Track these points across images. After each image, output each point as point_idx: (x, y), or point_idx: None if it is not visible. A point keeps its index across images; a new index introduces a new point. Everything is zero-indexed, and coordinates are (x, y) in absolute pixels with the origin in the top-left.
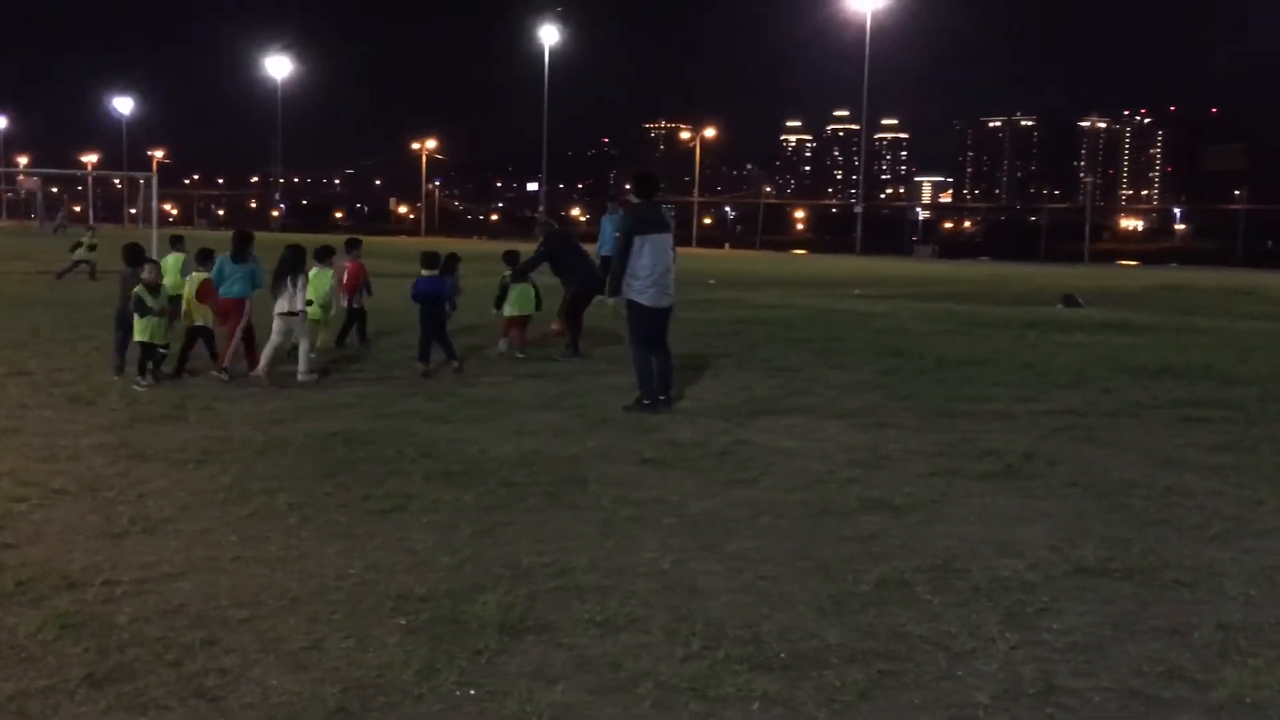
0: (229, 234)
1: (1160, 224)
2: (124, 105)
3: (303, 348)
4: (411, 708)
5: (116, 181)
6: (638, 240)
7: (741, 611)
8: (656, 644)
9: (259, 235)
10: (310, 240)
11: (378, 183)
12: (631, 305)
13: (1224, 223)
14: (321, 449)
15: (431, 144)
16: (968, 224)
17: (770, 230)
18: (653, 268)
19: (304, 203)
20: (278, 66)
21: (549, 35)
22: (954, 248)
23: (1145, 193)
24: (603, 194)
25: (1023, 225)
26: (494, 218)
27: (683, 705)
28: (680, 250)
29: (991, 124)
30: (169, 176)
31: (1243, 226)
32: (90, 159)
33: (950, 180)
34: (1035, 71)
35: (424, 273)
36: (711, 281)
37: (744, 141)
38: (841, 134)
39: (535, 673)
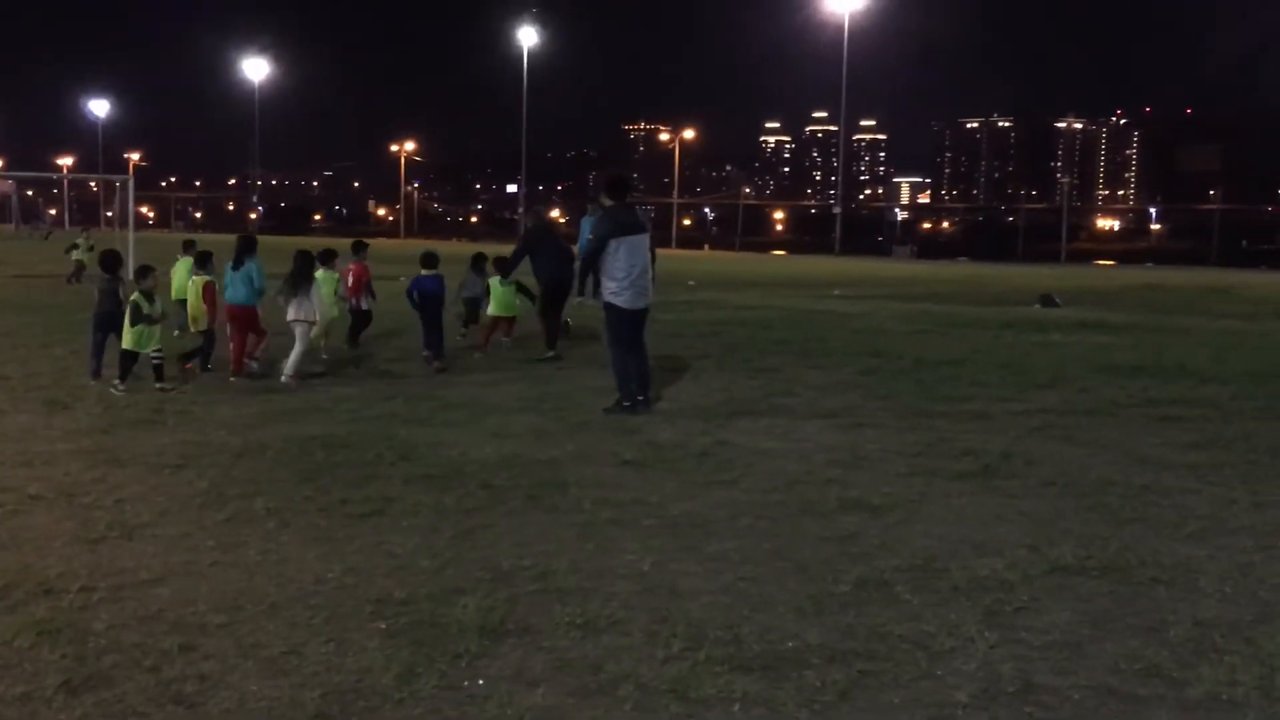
0: (203, 237)
1: (1136, 224)
2: (100, 107)
3: (296, 351)
4: (391, 712)
5: (92, 184)
6: (614, 243)
7: (722, 613)
8: (637, 646)
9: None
10: (289, 243)
11: (356, 185)
12: (609, 307)
13: (1199, 223)
14: (300, 453)
15: (410, 146)
16: (946, 224)
17: (749, 231)
18: (629, 269)
19: (282, 205)
20: (255, 68)
21: (528, 37)
22: (932, 248)
23: (1121, 193)
24: (582, 196)
25: (1000, 225)
26: (473, 219)
27: (664, 707)
28: (660, 251)
29: (969, 125)
30: (145, 179)
31: (1218, 226)
32: (65, 162)
33: (928, 181)
34: (1012, 73)
35: (423, 272)
36: (691, 283)
37: (723, 143)
38: (820, 135)
39: (516, 675)
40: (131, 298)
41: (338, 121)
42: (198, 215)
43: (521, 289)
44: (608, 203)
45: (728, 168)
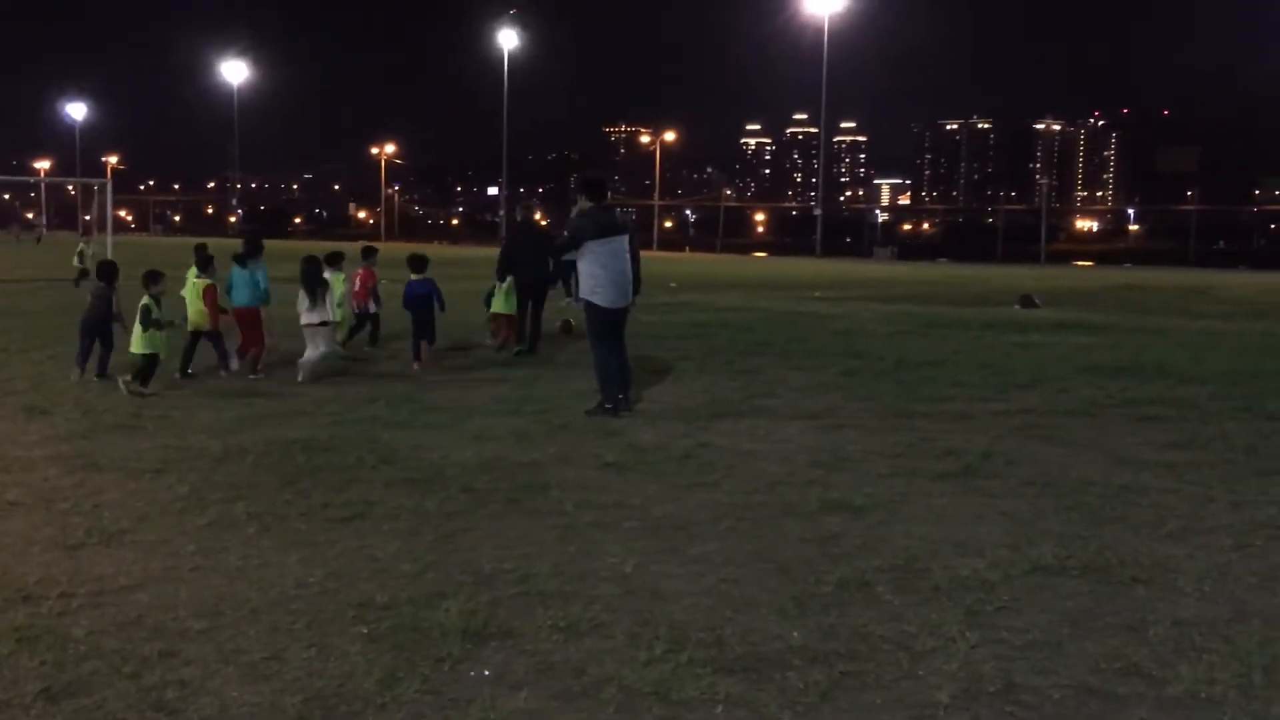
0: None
1: (1114, 225)
2: (77, 111)
3: (320, 351)
4: (373, 716)
5: (70, 188)
6: (590, 244)
7: (704, 614)
8: (619, 648)
9: (217, 241)
10: (271, 247)
11: (336, 187)
12: (588, 306)
13: (1177, 223)
14: (281, 457)
15: (390, 148)
16: (926, 226)
17: (731, 233)
18: (606, 270)
19: (261, 208)
20: (234, 71)
21: (508, 39)
22: (913, 249)
23: (1100, 194)
24: (563, 198)
25: (980, 227)
26: (454, 222)
27: (646, 709)
28: (641, 253)
29: (948, 126)
30: (124, 183)
31: (1194, 227)
32: (42, 165)
33: (908, 182)
34: (991, 75)
35: (413, 276)
36: (673, 285)
37: (704, 145)
38: (800, 137)
39: (498, 679)
40: (142, 301)
41: (317, 124)
42: (176, 219)
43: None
44: (586, 205)
45: (709, 170)
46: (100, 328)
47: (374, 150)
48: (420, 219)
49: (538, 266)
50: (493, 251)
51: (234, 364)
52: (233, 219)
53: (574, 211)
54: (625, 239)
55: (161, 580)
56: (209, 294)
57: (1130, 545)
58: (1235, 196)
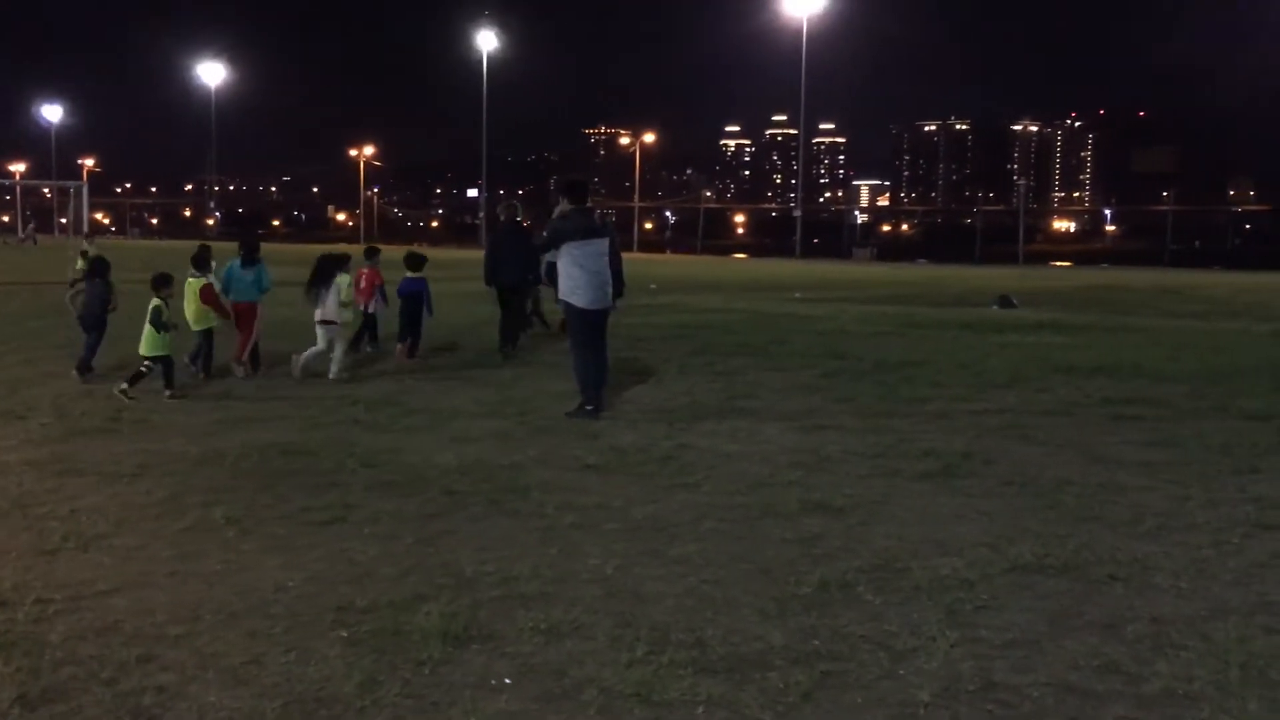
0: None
1: (1091, 225)
2: (52, 113)
3: (338, 352)
4: None
5: (46, 191)
6: (570, 246)
7: (685, 615)
8: (601, 650)
9: (194, 245)
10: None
11: (315, 190)
12: (566, 306)
13: (1153, 223)
14: (259, 461)
15: (369, 150)
16: (905, 227)
17: (711, 234)
18: (585, 271)
19: (240, 210)
20: (211, 73)
21: (487, 41)
22: (892, 250)
23: (1077, 195)
24: (542, 200)
25: (958, 227)
26: (434, 224)
27: (628, 711)
28: (622, 255)
29: (927, 128)
30: (100, 185)
31: (1170, 227)
32: (18, 168)
33: (887, 184)
34: (969, 76)
35: (408, 274)
36: (653, 286)
37: (683, 146)
38: (780, 138)
39: (479, 682)
40: (153, 303)
41: (296, 126)
42: (154, 221)
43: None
44: (568, 207)
45: (688, 171)
46: (96, 323)
47: (352, 152)
48: (399, 221)
49: (521, 267)
50: (472, 253)
51: (239, 371)
52: (211, 222)
53: (555, 213)
54: (605, 242)
55: (139, 585)
56: (206, 291)
57: (1108, 543)
58: (1210, 197)
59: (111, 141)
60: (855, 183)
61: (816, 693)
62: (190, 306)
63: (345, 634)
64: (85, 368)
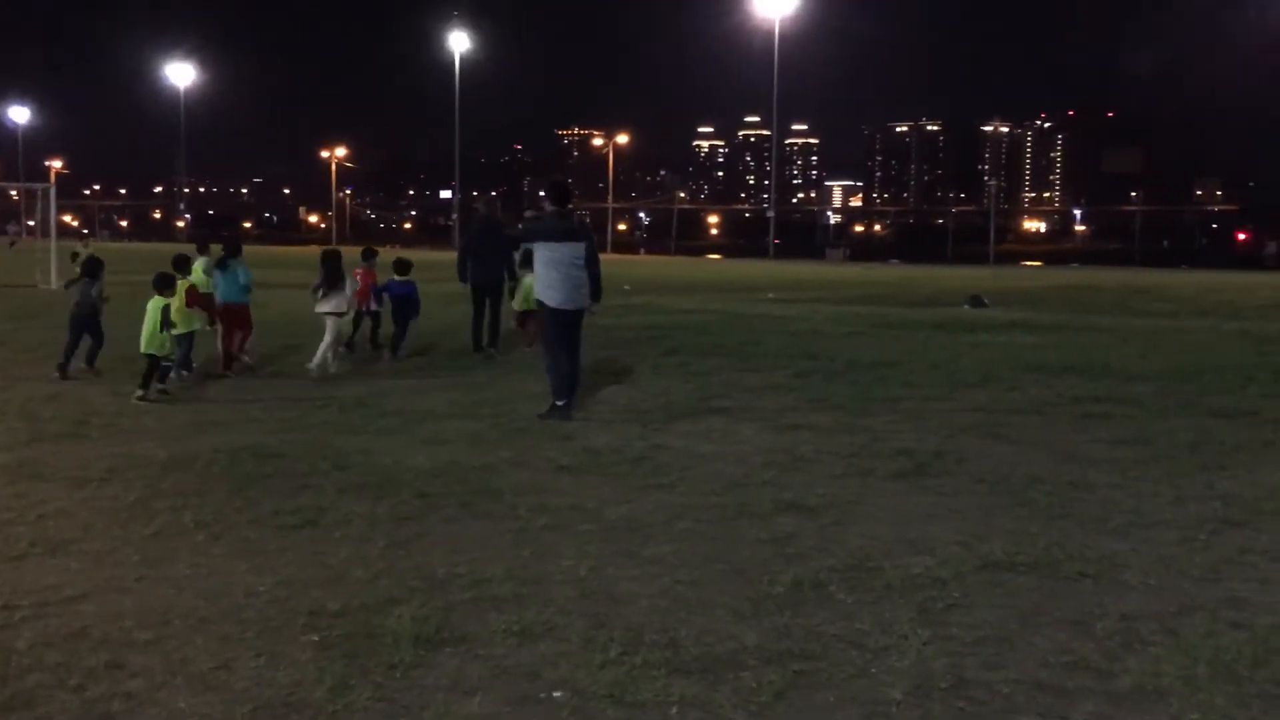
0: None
1: (1061, 225)
2: (19, 115)
3: (325, 341)
4: None
5: (13, 193)
6: (543, 246)
7: (659, 616)
8: (574, 651)
9: (163, 246)
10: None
11: (286, 191)
12: (540, 304)
13: (1122, 224)
14: (230, 464)
15: (341, 151)
16: (878, 227)
17: (684, 235)
18: (558, 272)
19: (210, 212)
20: (180, 73)
21: (459, 42)
22: (865, 250)
23: (1047, 195)
24: (517, 201)
25: (930, 228)
26: (407, 226)
27: (600, 712)
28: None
29: (898, 129)
30: (68, 187)
31: (1139, 227)
32: None
33: (860, 184)
34: (940, 78)
35: (396, 277)
36: (627, 287)
37: (657, 147)
38: (753, 139)
39: (452, 685)
40: (161, 304)
41: (266, 128)
42: (123, 224)
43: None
44: (550, 208)
45: (662, 172)
46: (89, 323)
47: (324, 153)
48: (372, 222)
49: (495, 267)
50: (445, 255)
51: (246, 360)
52: (180, 224)
53: (528, 213)
54: (580, 246)
55: (107, 591)
56: (191, 293)
57: (1078, 541)
58: (1178, 197)
59: (80, 143)
60: (828, 183)
61: (789, 692)
62: (176, 309)
63: (316, 638)
64: (82, 362)
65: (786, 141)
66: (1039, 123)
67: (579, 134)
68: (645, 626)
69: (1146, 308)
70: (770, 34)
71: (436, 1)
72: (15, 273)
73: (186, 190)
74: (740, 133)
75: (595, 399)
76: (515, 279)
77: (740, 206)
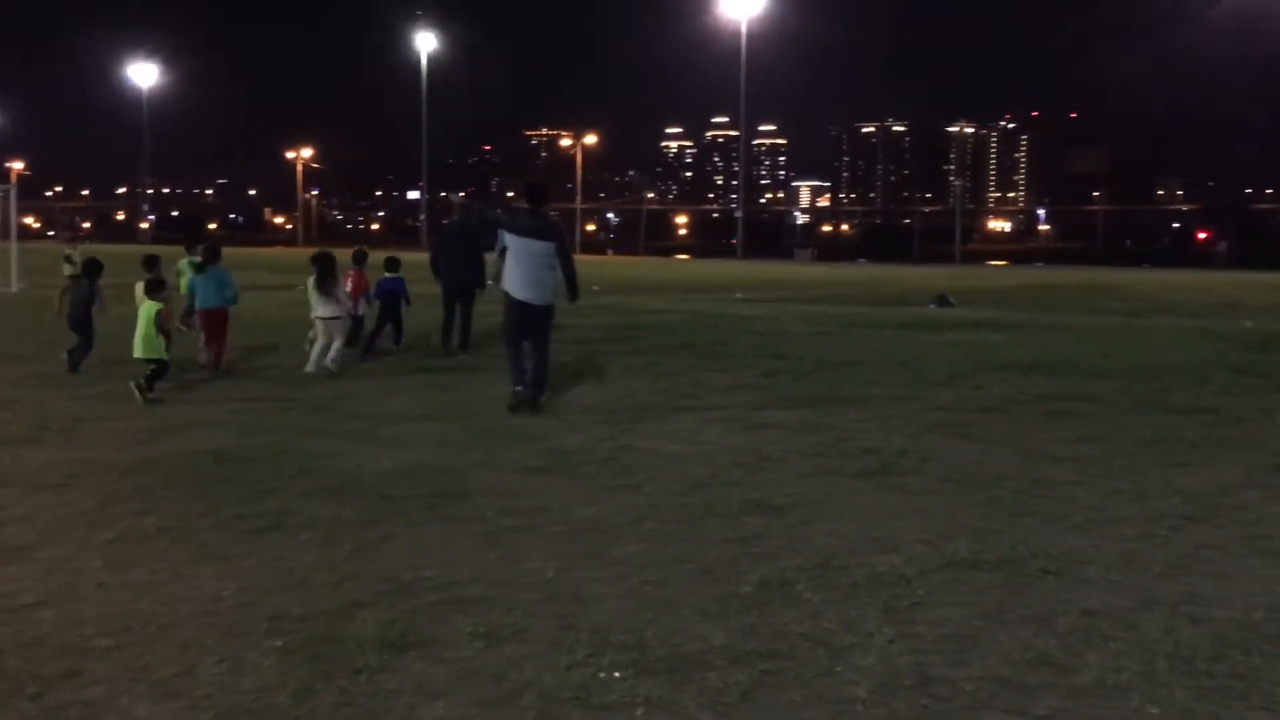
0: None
1: (1026, 225)
2: None
3: (336, 344)
4: None
5: None
6: (512, 241)
7: (626, 617)
8: (541, 654)
9: (129, 249)
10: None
11: (252, 192)
12: (505, 295)
13: (1085, 223)
14: (192, 468)
15: (307, 152)
16: (845, 227)
17: (653, 235)
18: (521, 266)
19: (174, 214)
20: (143, 73)
21: (426, 43)
22: (832, 250)
23: (1012, 195)
24: (485, 200)
25: (897, 228)
26: (374, 227)
27: (566, 715)
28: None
29: (865, 129)
30: (29, 189)
31: (1102, 226)
32: None
33: (827, 185)
34: (906, 78)
35: (386, 274)
36: (595, 288)
37: (625, 147)
38: (721, 140)
39: (417, 689)
40: (157, 308)
41: (231, 128)
42: (86, 225)
43: None
44: (525, 205)
45: (630, 173)
46: (84, 324)
47: (290, 154)
48: (339, 223)
49: (466, 268)
50: (414, 256)
51: (201, 358)
52: (144, 225)
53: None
54: (549, 245)
55: (66, 597)
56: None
57: (1041, 538)
58: (1140, 197)
59: (41, 144)
60: (795, 184)
61: (756, 692)
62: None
63: (280, 643)
64: (74, 365)
65: (754, 142)
66: (1004, 123)
67: (547, 134)
68: (612, 628)
69: (1109, 306)
70: (738, 34)
71: (404, 2)
72: None
73: (150, 191)
74: (708, 133)
75: (563, 399)
76: (485, 282)
77: (708, 207)
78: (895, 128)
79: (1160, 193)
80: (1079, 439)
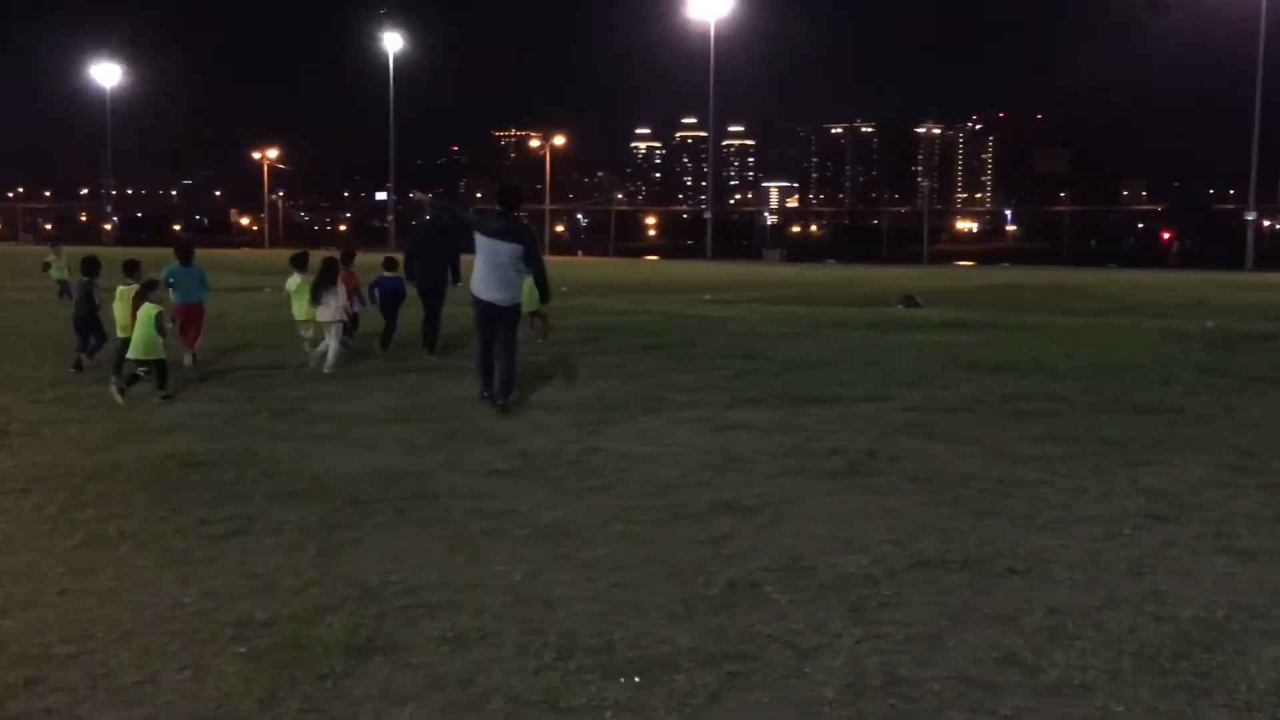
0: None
1: (993, 225)
2: None
3: (332, 347)
4: None
5: None
6: (481, 240)
7: (594, 620)
8: (508, 658)
9: (92, 249)
10: (150, 254)
11: (217, 193)
12: (472, 296)
13: (1051, 223)
14: (155, 473)
15: (273, 153)
16: (814, 228)
17: (622, 236)
18: (487, 265)
19: (139, 215)
20: (106, 73)
21: (393, 42)
22: (801, 251)
23: (979, 196)
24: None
25: (865, 228)
26: (342, 228)
27: (534, 719)
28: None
29: (833, 130)
30: None
31: (1068, 227)
32: None
33: (796, 186)
34: (874, 79)
35: (385, 274)
36: (564, 289)
37: (594, 149)
38: (690, 141)
39: (383, 694)
40: (156, 310)
41: (196, 128)
42: (48, 226)
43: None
44: (497, 208)
45: (599, 174)
46: (90, 322)
47: (256, 155)
48: (306, 224)
49: (438, 268)
50: (380, 257)
51: (186, 359)
52: (108, 226)
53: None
54: (516, 248)
55: (27, 605)
56: (139, 300)
57: (1008, 537)
58: (1105, 197)
59: (1, 145)
60: (764, 184)
61: (724, 693)
62: (123, 313)
63: (244, 649)
64: (89, 357)
65: (723, 143)
66: (971, 124)
67: (516, 135)
68: (580, 631)
69: (1074, 306)
70: (706, 36)
71: (371, 1)
72: None
73: (114, 193)
74: (677, 134)
75: (531, 401)
76: (459, 281)
77: (678, 208)
78: (863, 129)
79: (1125, 193)
80: (1045, 438)
